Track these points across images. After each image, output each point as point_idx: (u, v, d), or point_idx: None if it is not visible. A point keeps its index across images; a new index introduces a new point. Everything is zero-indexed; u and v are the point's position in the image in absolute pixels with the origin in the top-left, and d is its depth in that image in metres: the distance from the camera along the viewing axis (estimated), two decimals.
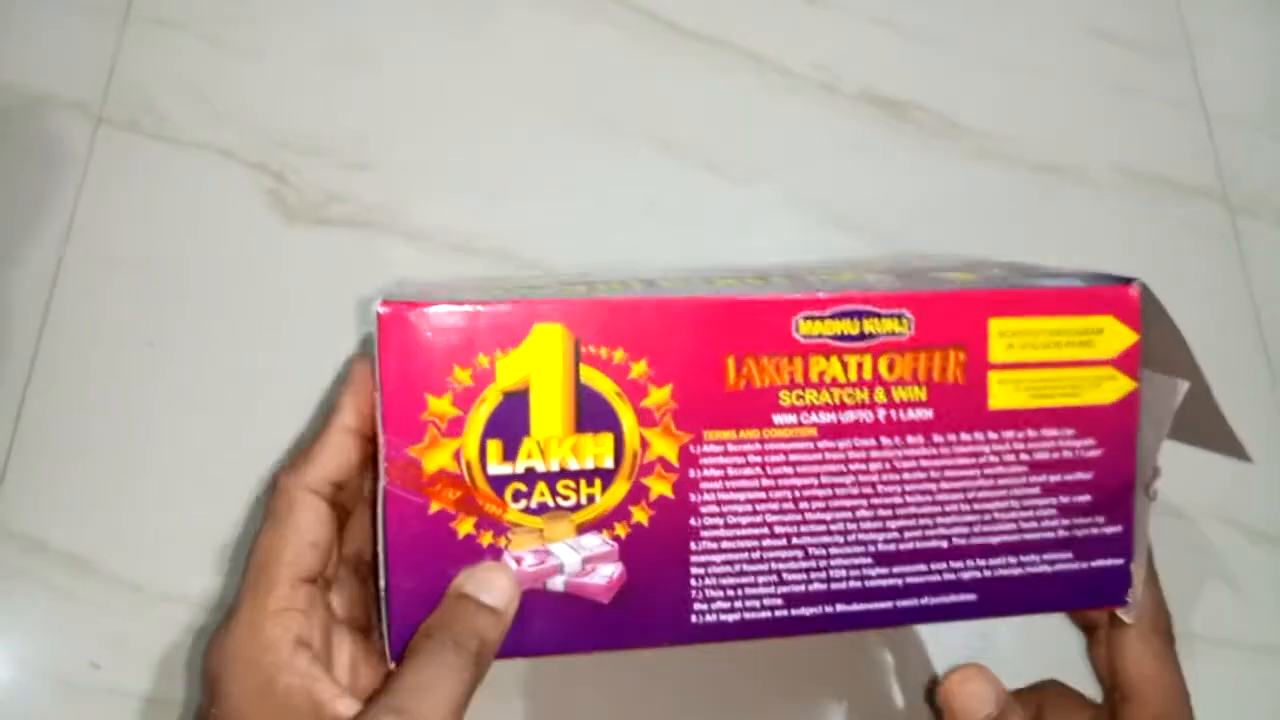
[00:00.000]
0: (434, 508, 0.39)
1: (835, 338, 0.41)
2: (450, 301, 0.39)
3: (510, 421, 0.39)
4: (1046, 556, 0.44)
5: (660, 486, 0.40)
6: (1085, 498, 0.44)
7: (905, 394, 0.42)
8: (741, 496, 0.41)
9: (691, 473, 0.41)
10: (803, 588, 0.42)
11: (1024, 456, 0.43)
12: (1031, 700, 0.49)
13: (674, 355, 0.40)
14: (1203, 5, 0.72)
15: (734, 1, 0.66)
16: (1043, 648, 0.55)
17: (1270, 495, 0.62)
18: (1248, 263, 0.66)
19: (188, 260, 0.56)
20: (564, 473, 0.40)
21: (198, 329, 0.54)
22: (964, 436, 0.42)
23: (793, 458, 0.41)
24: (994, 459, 0.43)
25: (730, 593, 0.41)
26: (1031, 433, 0.43)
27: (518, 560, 0.40)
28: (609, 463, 0.40)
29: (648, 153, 0.62)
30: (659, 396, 0.40)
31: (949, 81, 0.67)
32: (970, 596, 0.43)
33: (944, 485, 0.43)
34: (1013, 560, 0.44)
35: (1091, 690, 0.49)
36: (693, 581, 0.41)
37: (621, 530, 0.40)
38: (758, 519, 0.41)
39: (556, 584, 0.40)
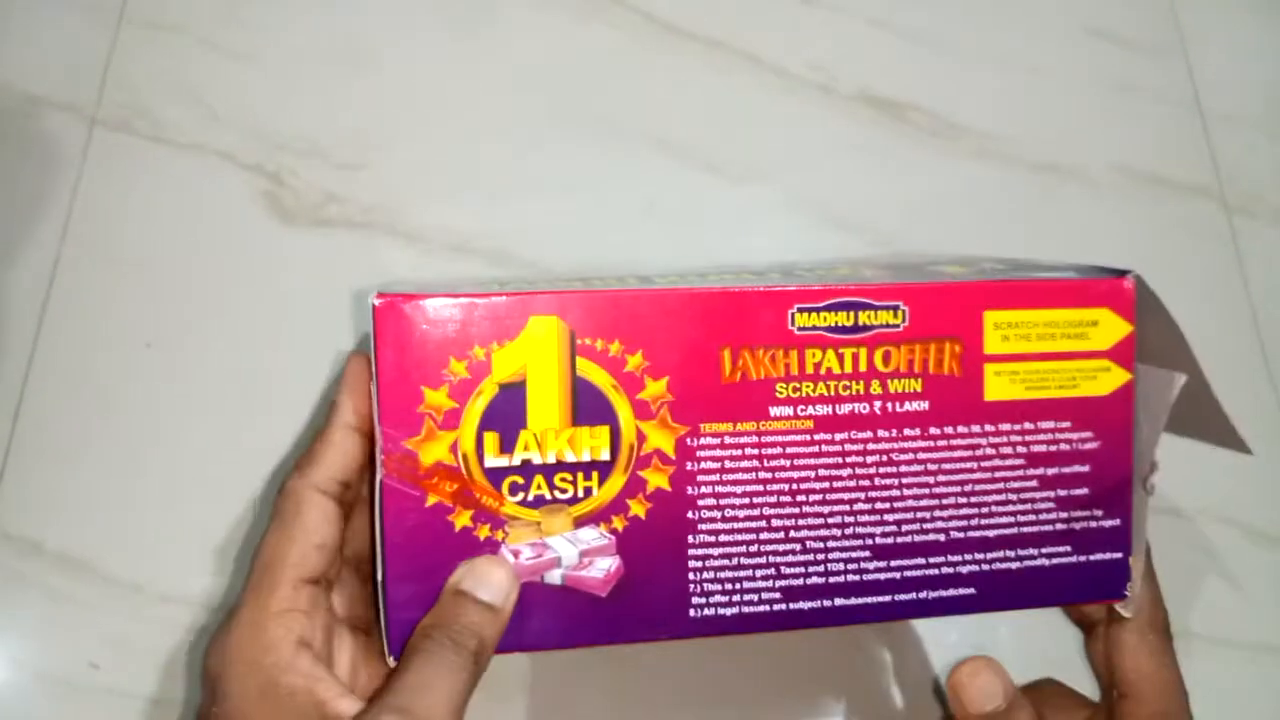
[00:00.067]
0: (431, 500, 0.39)
1: (830, 330, 0.41)
2: (446, 294, 0.39)
3: (507, 414, 0.39)
4: (1044, 550, 0.44)
5: (657, 479, 0.40)
6: (1083, 491, 0.44)
7: (901, 386, 0.42)
8: (738, 489, 0.41)
9: (688, 465, 0.41)
10: (800, 581, 0.42)
11: (1021, 449, 0.43)
12: (1029, 698, 0.48)
13: (670, 347, 0.40)
14: (1198, 4, 0.72)
15: (732, 2, 0.66)
16: (1040, 646, 0.55)
17: (1269, 494, 0.61)
18: (1245, 262, 0.66)
19: (185, 262, 0.56)
20: (561, 465, 0.40)
21: (195, 330, 0.54)
22: (960, 429, 0.43)
23: (790, 450, 0.41)
24: (991, 451, 0.43)
25: (728, 586, 0.41)
26: (1028, 425, 0.43)
27: (515, 554, 0.40)
28: (606, 455, 0.40)
29: (646, 153, 0.62)
30: (655, 389, 0.40)
31: (947, 82, 0.67)
32: (968, 590, 0.43)
33: (941, 478, 0.43)
34: (1010, 554, 0.44)
35: (1089, 689, 0.48)
36: (690, 575, 0.41)
37: (619, 523, 0.40)
38: (755, 512, 0.41)
39: (554, 577, 0.40)
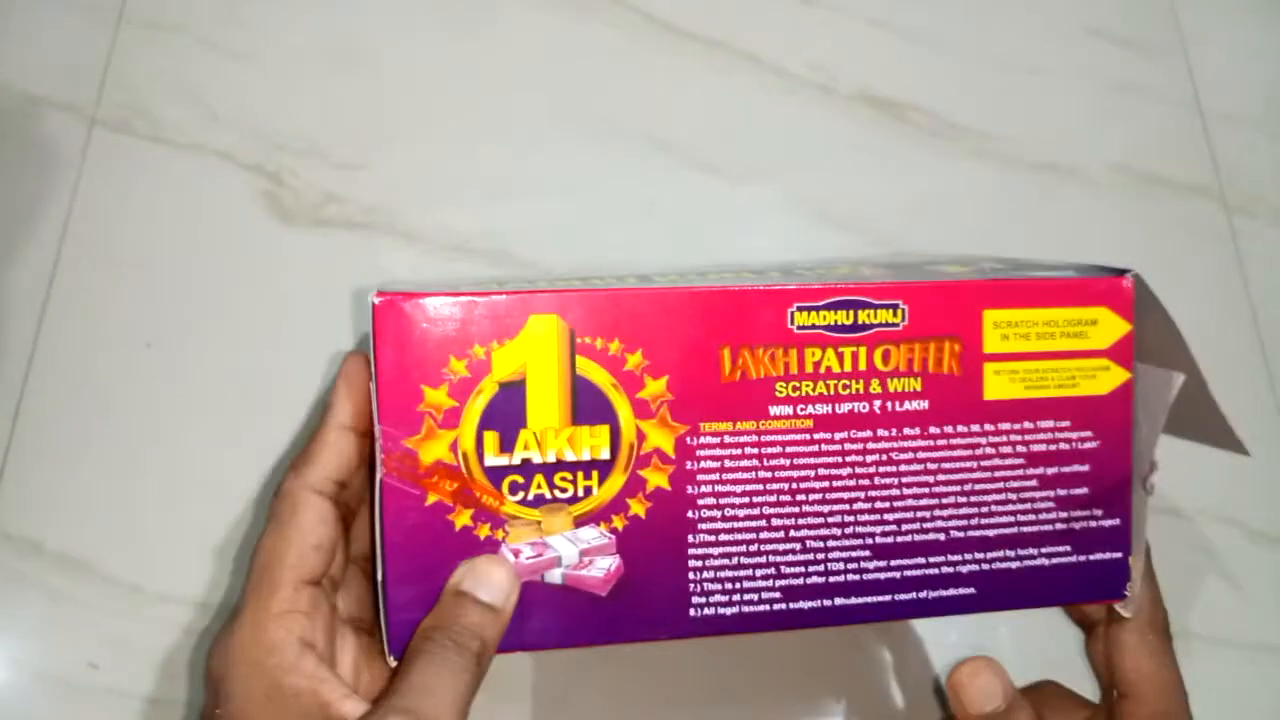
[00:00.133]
0: (431, 499, 0.39)
1: (829, 328, 0.41)
2: (446, 293, 0.39)
3: (507, 413, 0.39)
4: (1044, 550, 0.44)
5: (657, 478, 0.40)
6: (1082, 490, 0.44)
7: (900, 385, 0.42)
8: (738, 489, 0.41)
9: (688, 465, 0.41)
10: (800, 580, 0.42)
11: (1020, 448, 0.43)
12: (1028, 700, 0.48)
13: (670, 346, 0.40)
14: (1198, 4, 0.72)
15: (732, 2, 0.66)
16: (1040, 646, 0.55)
17: (1268, 494, 0.61)
18: (1245, 262, 0.66)
19: (185, 262, 0.56)
20: (561, 464, 0.40)
21: (195, 330, 0.54)
22: (960, 428, 0.43)
23: (789, 450, 0.41)
24: (990, 451, 0.43)
25: (728, 585, 0.41)
26: (1028, 424, 0.43)
27: (515, 553, 0.40)
28: (605, 454, 0.40)
29: (646, 153, 0.62)
30: (655, 388, 0.40)
31: (946, 82, 0.67)
32: (968, 590, 0.43)
33: (941, 477, 0.43)
34: (1010, 554, 0.44)
35: (1090, 689, 0.48)
36: (690, 574, 0.41)
37: (619, 522, 0.40)
38: (755, 511, 0.41)
39: (554, 577, 0.40)
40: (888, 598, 0.43)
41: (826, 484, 0.42)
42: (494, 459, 0.39)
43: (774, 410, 0.41)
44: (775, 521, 0.41)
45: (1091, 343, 0.43)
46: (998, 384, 0.43)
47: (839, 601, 0.42)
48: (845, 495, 0.42)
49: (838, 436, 0.42)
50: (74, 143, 0.56)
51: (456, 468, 0.39)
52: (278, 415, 0.53)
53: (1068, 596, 0.45)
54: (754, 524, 0.41)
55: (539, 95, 0.62)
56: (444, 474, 0.39)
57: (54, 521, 0.51)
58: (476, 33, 0.63)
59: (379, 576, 0.39)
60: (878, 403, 0.42)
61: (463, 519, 0.39)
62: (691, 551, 0.41)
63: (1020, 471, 0.43)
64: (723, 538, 0.41)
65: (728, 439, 0.41)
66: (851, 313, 0.41)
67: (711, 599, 0.41)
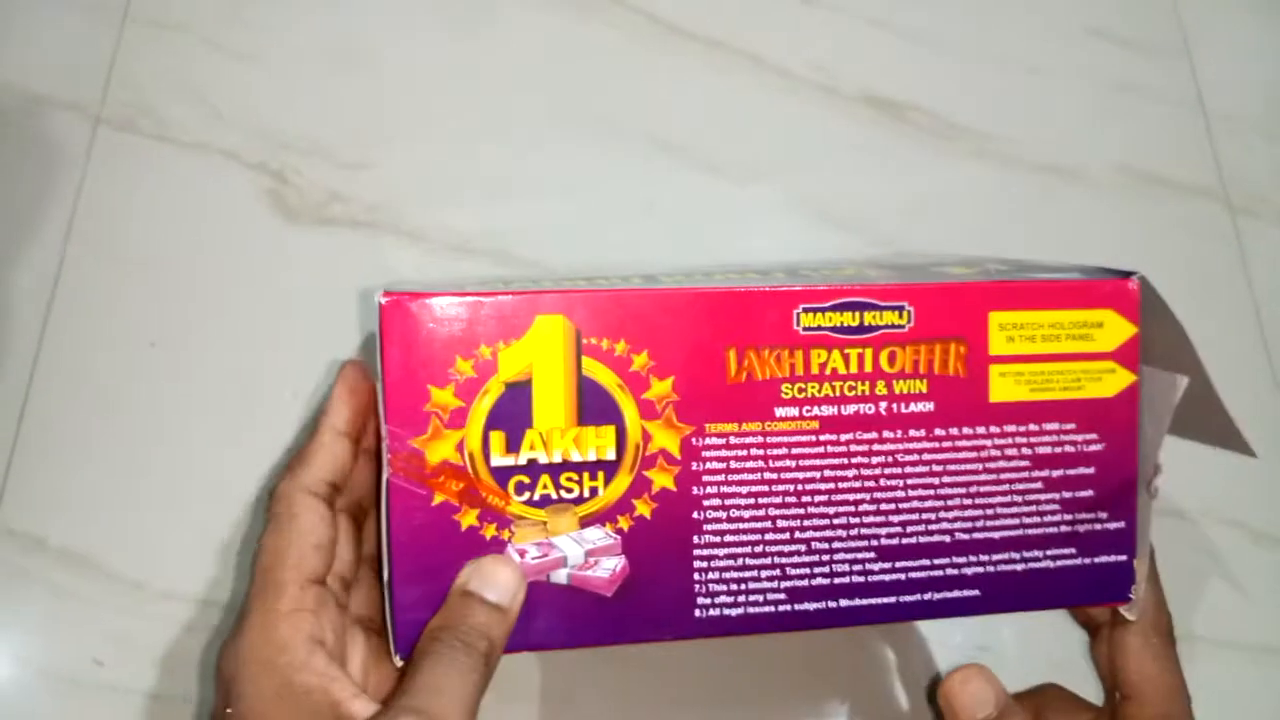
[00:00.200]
0: (437, 499, 0.39)
1: (835, 330, 0.41)
2: (452, 293, 0.39)
3: (513, 413, 0.39)
4: (1049, 552, 0.44)
5: (662, 479, 0.41)
6: (1088, 493, 0.44)
7: (906, 387, 0.42)
8: (744, 490, 0.41)
9: (694, 465, 0.41)
10: (805, 582, 0.42)
11: (1026, 450, 0.43)
12: (1031, 703, 0.49)
13: (675, 347, 0.40)
14: (1200, 4, 0.72)
15: (732, 2, 0.66)
16: (1045, 648, 0.55)
17: (1272, 496, 0.62)
18: (1248, 262, 0.66)
19: (189, 260, 0.56)
20: (566, 465, 0.40)
21: (199, 328, 0.54)
22: (965, 430, 0.43)
23: (795, 451, 0.41)
24: (996, 453, 0.43)
25: (733, 586, 0.41)
26: (1033, 426, 0.43)
27: (521, 553, 0.40)
28: (611, 455, 0.40)
29: (647, 153, 0.62)
30: (661, 389, 0.40)
31: (947, 82, 0.67)
32: (973, 592, 0.43)
33: (946, 479, 0.43)
34: (1015, 556, 0.44)
35: (1093, 691, 0.48)
36: (696, 575, 0.41)
37: (624, 523, 0.40)
38: (760, 512, 0.41)
39: (560, 577, 0.40)
40: (892, 599, 0.43)
41: (832, 485, 0.42)
42: (500, 459, 0.39)
43: (779, 411, 0.41)
44: (780, 523, 0.41)
45: (1097, 345, 0.43)
46: (1003, 386, 0.43)
47: (844, 603, 0.42)
48: (850, 497, 0.42)
49: (843, 438, 0.42)
50: (79, 142, 0.56)
51: (463, 468, 0.39)
52: (281, 413, 0.54)
53: (1072, 599, 0.45)
54: (759, 525, 0.41)
55: (540, 95, 0.62)
56: (450, 474, 0.39)
57: (58, 518, 0.51)
58: (478, 33, 0.63)
59: (385, 576, 0.39)
60: (883, 404, 0.42)
61: (469, 519, 0.39)
62: (697, 552, 0.41)
63: (1025, 474, 0.43)
64: (728, 539, 0.41)
65: (733, 440, 0.41)
66: (857, 314, 0.41)
67: (716, 600, 0.41)
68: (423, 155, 0.59)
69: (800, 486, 0.41)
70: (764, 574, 0.42)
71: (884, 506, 0.42)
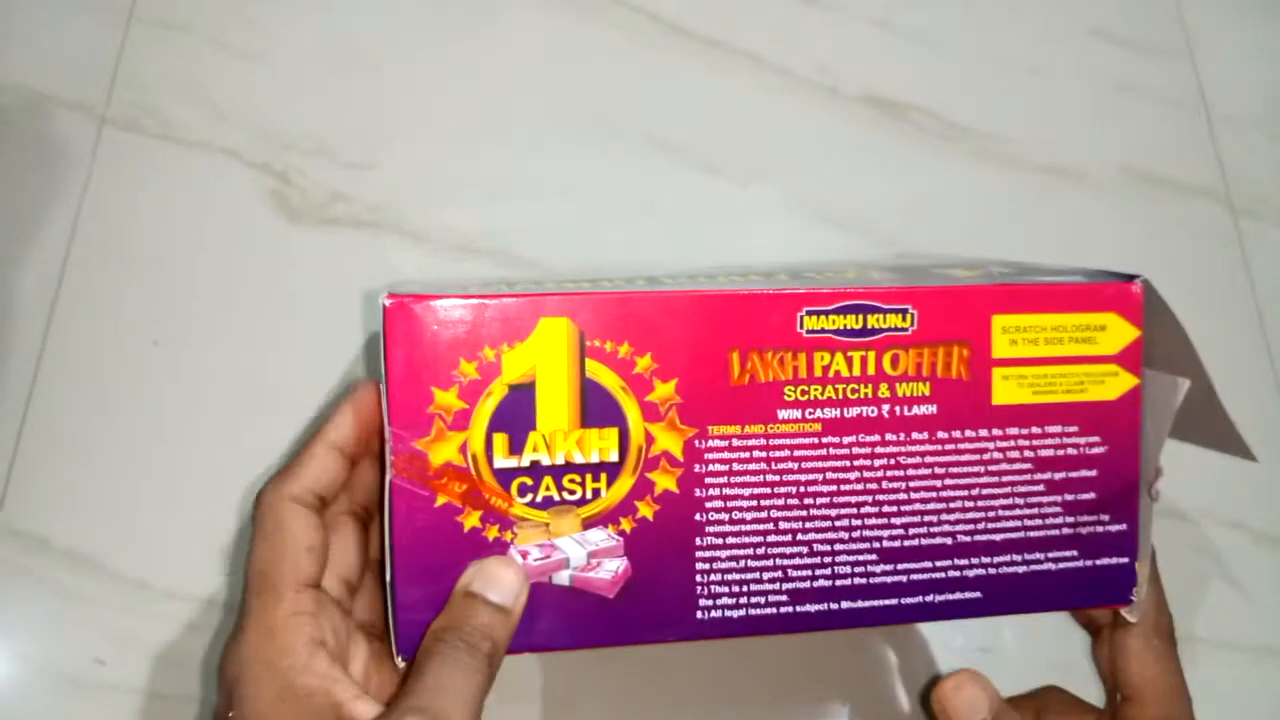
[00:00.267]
0: (440, 501, 0.39)
1: (838, 333, 0.41)
2: (456, 295, 0.39)
3: (516, 415, 0.39)
4: (1051, 554, 0.44)
5: (665, 481, 0.41)
6: (1090, 495, 0.44)
7: (909, 390, 0.42)
8: (746, 492, 0.41)
9: (696, 468, 0.41)
10: (808, 584, 0.42)
11: (1028, 453, 0.43)
12: (1031, 705, 0.49)
13: (679, 350, 0.40)
14: (1203, 5, 0.72)
15: (733, 2, 0.66)
16: (1045, 649, 0.55)
17: (1273, 497, 0.62)
18: (1251, 264, 0.66)
19: (192, 260, 0.56)
20: (569, 466, 0.40)
21: (203, 328, 0.55)
22: (968, 433, 0.43)
23: (798, 453, 0.41)
24: (998, 455, 0.43)
25: (735, 588, 0.41)
26: (1036, 429, 0.43)
27: (524, 554, 0.40)
28: (614, 457, 0.40)
29: (647, 153, 0.62)
30: (664, 391, 0.40)
31: (949, 82, 0.67)
32: (975, 594, 0.44)
33: (949, 482, 0.43)
34: (1017, 558, 0.44)
35: (1095, 692, 0.49)
36: (698, 577, 0.41)
37: (627, 525, 0.41)
38: (763, 514, 0.41)
39: (562, 578, 0.40)
40: (894, 601, 0.43)
41: (834, 488, 0.42)
42: (503, 461, 0.39)
43: (782, 414, 0.41)
44: (783, 525, 0.42)
45: (1100, 348, 0.43)
46: (1006, 389, 0.43)
47: (845, 605, 0.42)
48: (853, 499, 0.42)
49: (846, 440, 0.42)
50: (84, 141, 0.56)
51: (465, 469, 0.39)
52: (284, 413, 0.54)
53: (1073, 601, 0.45)
54: (761, 527, 0.41)
55: (541, 95, 0.62)
56: (453, 476, 0.39)
57: (61, 518, 0.51)
58: (479, 32, 0.63)
59: (387, 577, 0.39)
60: (886, 407, 0.42)
61: (471, 520, 0.40)
62: (699, 554, 0.41)
63: (1028, 476, 0.43)
64: (730, 541, 0.41)
65: (736, 442, 0.41)
66: (861, 317, 0.41)
67: (718, 601, 0.41)
68: (424, 155, 0.60)
69: (802, 489, 0.42)
70: (766, 576, 0.42)
71: (886, 509, 0.42)
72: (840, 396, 0.41)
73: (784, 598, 0.42)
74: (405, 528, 0.39)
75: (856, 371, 0.42)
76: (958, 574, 0.43)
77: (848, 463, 0.42)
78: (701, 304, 0.40)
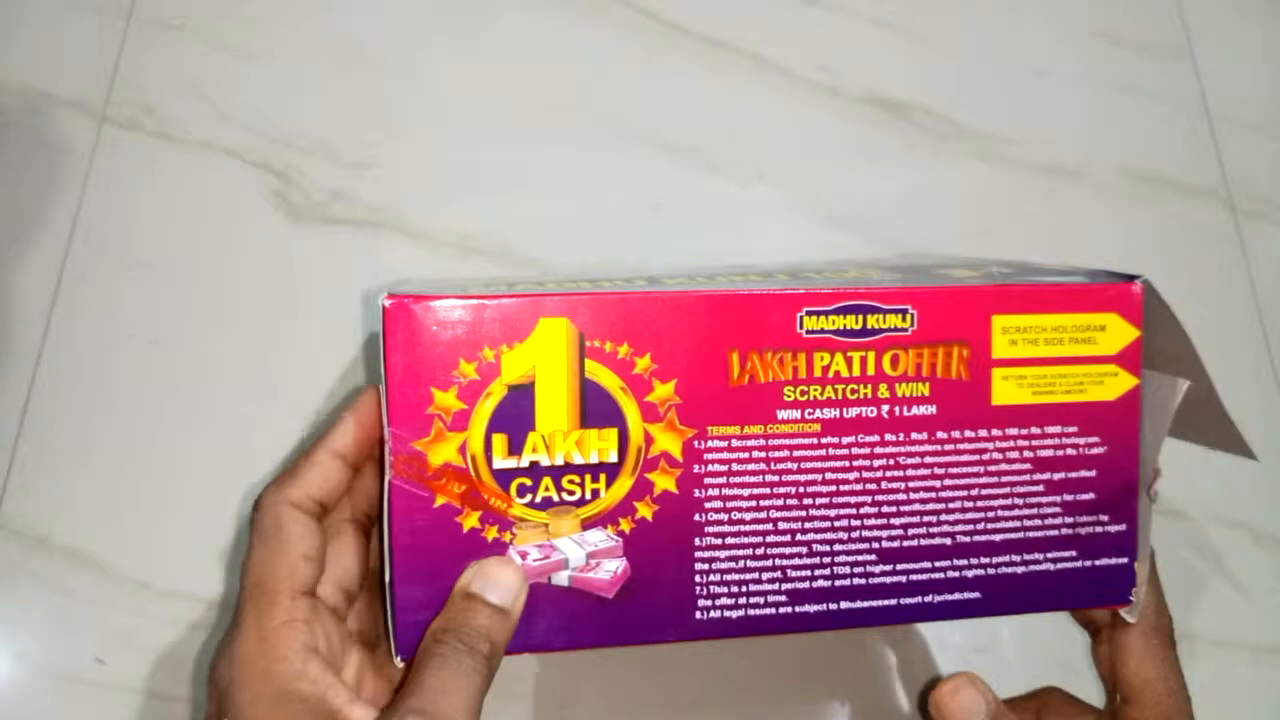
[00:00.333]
0: (439, 501, 0.39)
1: (838, 333, 0.41)
2: (455, 295, 0.39)
3: (515, 416, 0.39)
4: (1050, 555, 0.44)
5: (664, 482, 0.41)
6: (1089, 496, 0.44)
7: (909, 390, 0.42)
8: (745, 492, 0.41)
9: (696, 468, 0.41)
10: (807, 584, 0.42)
11: (1027, 454, 0.43)
12: (1030, 706, 0.49)
13: (678, 350, 0.40)
14: (1203, 5, 0.72)
15: (736, 3, 0.66)
16: (1045, 649, 0.55)
17: (1274, 496, 0.62)
18: (1252, 265, 0.66)
19: (192, 259, 0.56)
20: (569, 467, 0.40)
21: (202, 328, 0.55)
22: (968, 433, 0.43)
23: (797, 454, 0.41)
24: (998, 456, 0.43)
25: (734, 589, 0.41)
26: (1035, 430, 0.43)
27: (523, 555, 0.40)
28: (613, 457, 0.40)
29: (650, 154, 0.62)
30: (663, 391, 0.40)
31: (951, 83, 0.67)
32: (974, 594, 0.44)
33: (948, 482, 0.43)
34: (1016, 558, 0.44)
35: (1094, 693, 0.49)
36: (697, 577, 0.41)
37: (626, 525, 0.40)
38: (762, 515, 0.41)
39: (561, 579, 0.40)
40: (893, 602, 0.43)
41: (833, 488, 0.42)
42: (502, 461, 0.39)
43: (782, 414, 0.41)
44: (782, 525, 0.42)
45: (1100, 348, 0.43)
46: (1006, 389, 0.43)
47: (845, 605, 0.42)
48: (852, 499, 0.42)
49: (845, 441, 0.42)
50: (84, 140, 0.56)
51: (465, 470, 0.39)
52: (284, 412, 0.54)
53: (1073, 601, 0.45)
54: (761, 527, 0.41)
55: (543, 95, 0.62)
56: (452, 476, 0.39)
57: (61, 517, 0.51)
58: (481, 32, 0.62)
59: (386, 577, 0.39)
60: (886, 407, 0.42)
61: (470, 521, 0.40)
62: (698, 555, 0.41)
63: (1027, 477, 0.43)
64: (729, 541, 0.41)
65: (735, 443, 0.41)
66: (860, 317, 0.41)
67: (717, 602, 0.41)
68: (425, 155, 0.59)
69: (802, 489, 0.42)
70: (765, 576, 0.42)
71: (885, 509, 0.42)
72: (840, 397, 0.41)
73: (783, 598, 0.42)
74: (404, 528, 0.39)
75: (856, 372, 0.41)
76: (957, 574, 0.43)
77: (847, 463, 0.42)
78: (701, 304, 0.40)
